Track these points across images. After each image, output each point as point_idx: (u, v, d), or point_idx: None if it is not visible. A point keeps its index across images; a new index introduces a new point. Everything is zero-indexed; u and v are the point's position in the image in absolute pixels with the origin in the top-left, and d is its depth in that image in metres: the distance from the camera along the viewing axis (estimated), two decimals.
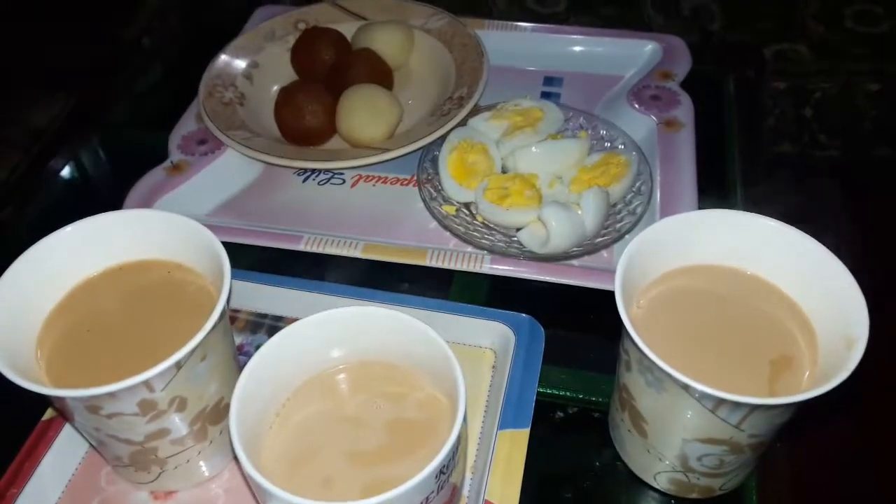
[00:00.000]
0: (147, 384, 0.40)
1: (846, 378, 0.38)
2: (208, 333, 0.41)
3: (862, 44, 0.87)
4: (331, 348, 0.45)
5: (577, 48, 0.80)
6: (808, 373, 0.42)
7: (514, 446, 0.48)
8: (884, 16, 0.89)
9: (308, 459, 0.41)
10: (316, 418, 0.43)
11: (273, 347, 0.42)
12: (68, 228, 0.46)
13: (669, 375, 0.39)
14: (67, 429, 0.50)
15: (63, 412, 0.47)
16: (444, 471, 0.38)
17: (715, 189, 0.67)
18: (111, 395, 0.39)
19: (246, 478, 0.38)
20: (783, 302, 0.44)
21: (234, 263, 0.45)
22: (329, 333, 0.45)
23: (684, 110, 0.71)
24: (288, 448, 0.42)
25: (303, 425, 0.43)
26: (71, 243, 0.46)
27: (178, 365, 0.40)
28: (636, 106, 0.72)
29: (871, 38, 0.87)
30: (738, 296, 0.45)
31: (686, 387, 0.39)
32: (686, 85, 0.75)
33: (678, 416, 0.42)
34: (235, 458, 0.39)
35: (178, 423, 0.44)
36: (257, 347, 0.57)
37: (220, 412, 0.47)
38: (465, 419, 0.39)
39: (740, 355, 0.43)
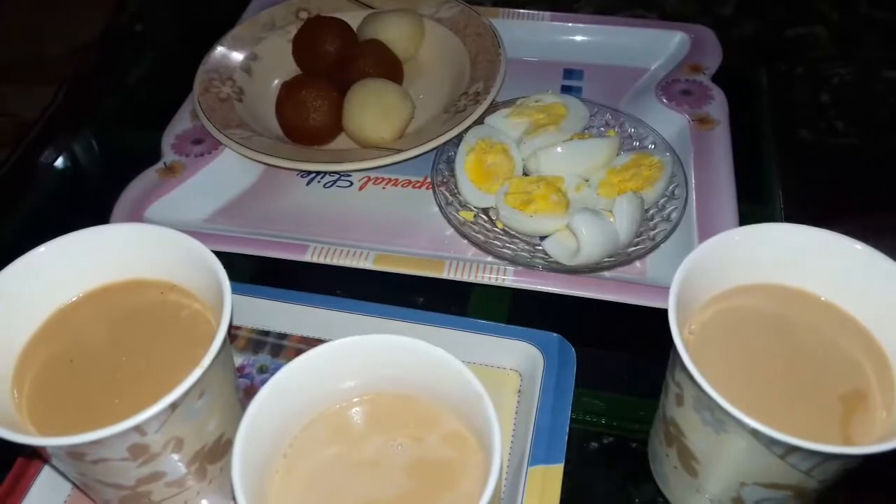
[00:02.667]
0: (138, 428, 0.35)
1: None
2: (207, 369, 0.36)
3: (878, 30, 0.82)
4: (341, 381, 0.40)
5: (599, 38, 0.75)
6: (884, 413, 0.37)
7: (546, 484, 0.44)
8: None
9: None
10: (328, 462, 0.38)
11: (278, 385, 0.37)
12: (41, 249, 0.41)
13: (735, 418, 0.34)
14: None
15: (42, 457, 0.42)
16: None
17: (752, 192, 0.62)
18: (97, 442, 0.34)
19: None
20: (853, 329, 0.40)
21: (234, 275, 0.40)
22: (341, 364, 0.40)
23: (717, 106, 0.66)
24: (298, 496, 0.37)
25: (313, 470, 0.38)
26: (47, 264, 0.41)
27: (174, 406, 0.35)
28: (665, 101, 0.67)
29: (888, 24, 0.82)
30: (800, 320, 0.41)
31: (754, 432, 0.34)
32: (715, 78, 0.70)
33: (739, 460, 0.37)
34: None
35: (173, 465, 0.39)
36: (259, 369, 0.53)
37: (220, 449, 0.42)
38: (500, 470, 0.34)
39: (807, 390, 0.38)
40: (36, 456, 0.44)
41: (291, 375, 0.38)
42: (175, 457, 0.39)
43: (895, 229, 0.61)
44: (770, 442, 0.34)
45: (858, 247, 0.39)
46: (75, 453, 0.35)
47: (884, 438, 0.34)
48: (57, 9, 0.87)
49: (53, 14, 0.86)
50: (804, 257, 0.40)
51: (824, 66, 0.77)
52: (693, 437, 0.39)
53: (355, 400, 0.41)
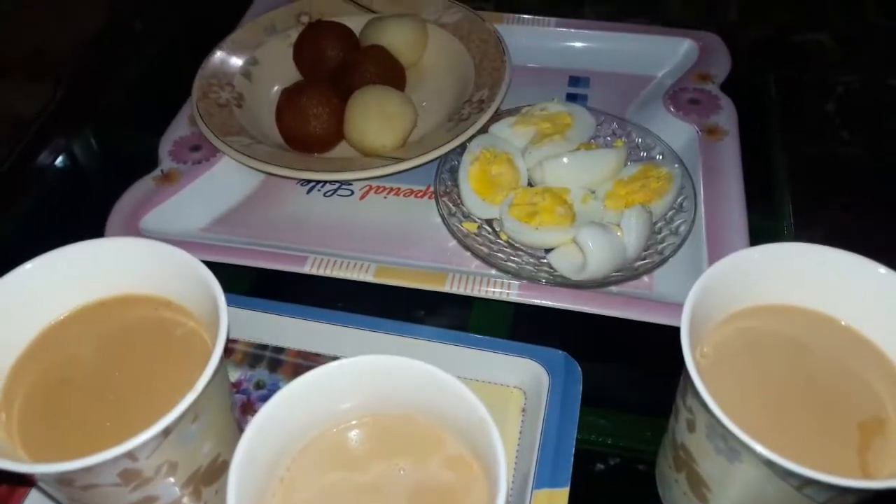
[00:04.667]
0: (129, 455, 0.34)
1: None
2: (201, 393, 0.35)
3: (885, 37, 0.81)
4: (340, 402, 0.39)
5: (605, 45, 0.73)
6: None
7: None
8: None
9: None
10: (327, 486, 0.37)
11: (275, 408, 0.36)
12: (28, 266, 0.39)
13: (750, 449, 0.32)
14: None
15: (30, 481, 0.41)
16: None
17: (762, 205, 0.61)
18: (86, 469, 0.33)
19: None
20: (872, 354, 0.38)
21: (231, 286, 0.39)
22: (340, 385, 0.38)
23: (727, 116, 0.65)
24: None
25: (312, 495, 0.37)
26: (35, 281, 0.39)
27: (167, 431, 0.34)
28: (673, 110, 0.65)
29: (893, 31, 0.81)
30: (817, 344, 0.39)
31: (770, 463, 0.32)
32: (723, 86, 0.68)
33: (752, 489, 0.36)
34: None
35: (167, 489, 0.38)
36: (256, 384, 0.52)
37: (215, 471, 0.41)
38: (505, 498, 0.33)
39: (824, 418, 0.37)
40: (24, 481, 0.43)
41: (289, 398, 0.37)
42: (168, 481, 0.38)
43: None
44: (786, 474, 0.33)
45: (882, 270, 0.37)
46: (64, 480, 0.34)
47: None
48: (56, 6, 0.85)
49: (52, 12, 0.85)
50: (824, 279, 0.39)
51: (830, 74, 0.76)
52: (705, 464, 0.38)
53: (354, 422, 0.39)
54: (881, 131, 0.72)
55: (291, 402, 0.37)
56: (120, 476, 0.35)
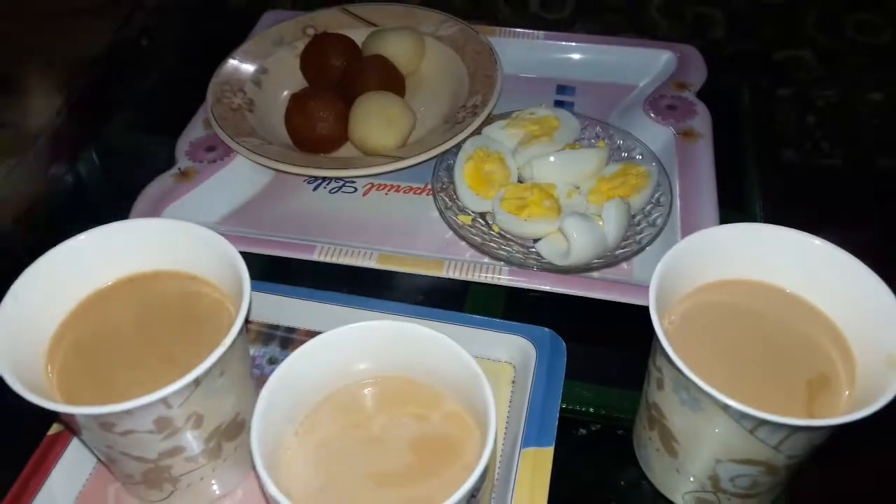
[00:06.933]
0: (164, 401, 0.38)
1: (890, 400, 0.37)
2: (228, 348, 0.39)
3: (864, 53, 0.86)
4: (350, 363, 0.44)
5: (591, 57, 0.79)
6: (847, 393, 0.41)
7: (538, 465, 0.47)
8: (885, 25, 0.89)
9: (331, 481, 0.40)
10: (337, 438, 0.42)
11: (290, 368, 0.41)
12: (81, 237, 0.44)
13: (708, 395, 0.37)
14: (75, 443, 0.48)
15: (72, 428, 0.46)
16: (475, 494, 0.37)
17: (734, 201, 0.66)
18: (127, 412, 0.37)
19: (269, 501, 0.36)
20: (819, 319, 0.43)
21: None
22: (351, 348, 0.43)
23: (701, 120, 0.70)
24: (309, 469, 0.40)
25: (323, 446, 0.41)
26: (81, 253, 0.44)
27: (197, 381, 0.39)
28: (652, 115, 0.71)
29: (873, 48, 0.87)
30: (771, 312, 0.44)
31: (725, 407, 0.37)
32: (700, 94, 0.74)
33: (714, 437, 0.40)
34: (256, 475, 0.37)
35: (193, 441, 0.43)
36: (269, 360, 0.56)
37: (235, 428, 0.45)
38: (495, 442, 0.38)
39: (776, 374, 0.42)
40: (66, 428, 0.48)
41: (302, 359, 0.42)
42: (194, 433, 0.42)
43: (872, 240, 0.65)
44: (740, 416, 0.37)
45: (817, 242, 0.43)
46: (106, 424, 0.39)
47: (846, 414, 0.38)
48: (63, 22, 0.90)
49: (60, 27, 0.89)
50: (770, 253, 0.44)
51: (811, 88, 0.81)
52: (672, 417, 0.43)
53: (362, 382, 0.44)
54: (861, 143, 0.76)
55: (303, 363, 0.42)
56: (155, 423, 0.39)
